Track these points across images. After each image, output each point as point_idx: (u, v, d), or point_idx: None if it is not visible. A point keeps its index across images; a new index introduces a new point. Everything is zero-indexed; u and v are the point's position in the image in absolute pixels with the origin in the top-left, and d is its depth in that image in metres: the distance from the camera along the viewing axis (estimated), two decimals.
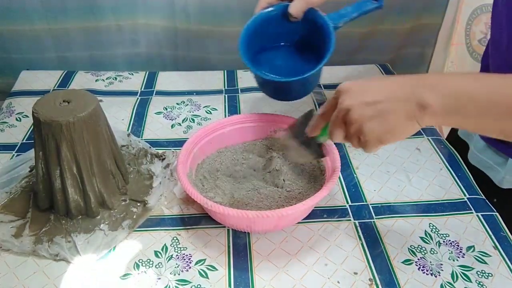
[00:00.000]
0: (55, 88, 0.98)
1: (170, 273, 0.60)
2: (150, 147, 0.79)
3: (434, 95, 0.45)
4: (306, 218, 0.67)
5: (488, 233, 0.65)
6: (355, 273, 0.60)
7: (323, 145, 0.64)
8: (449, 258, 0.62)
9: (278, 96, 0.76)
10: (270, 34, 0.73)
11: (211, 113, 0.91)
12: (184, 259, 0.62)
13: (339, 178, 0.75)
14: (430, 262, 0.61)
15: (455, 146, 0.83)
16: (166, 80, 1.02)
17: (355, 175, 0.76)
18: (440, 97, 0.45)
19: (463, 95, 0.45)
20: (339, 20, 0.70)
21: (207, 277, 0.59)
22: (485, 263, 0.61)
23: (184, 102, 0.94)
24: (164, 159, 0.76)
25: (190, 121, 0.89)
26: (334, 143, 0.67)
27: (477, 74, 0.46)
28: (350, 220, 0.68)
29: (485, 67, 0.74)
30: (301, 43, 0.76)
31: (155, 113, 0.90)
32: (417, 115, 0.46)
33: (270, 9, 0.71)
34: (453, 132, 0.89)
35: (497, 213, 0.68)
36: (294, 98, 0.78)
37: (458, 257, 0.62)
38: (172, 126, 0.87)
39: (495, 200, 0.72)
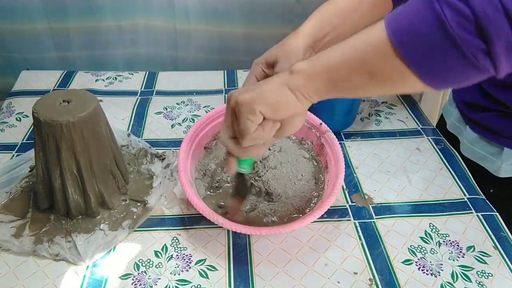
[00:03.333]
0: (55, 88, 0.98)
1: (170, 273, 0.60)
2: (150, 147, 0.79)
3: (301, 63, 0.47)
4: None
5: (488, 233, 0.65)
6: (355, 273, 0.60)
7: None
8: (449, 258, 0.62)
9: None
10: None
11: None
12: (184, 259, 0.62)
13: None
14: (430, 262, 0.61)
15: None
16: (166, 80, 1.02)
17: (355, 175, 0.76)
18: (306, 62, 0.47)
19: (325, 53, 0.47)
20: None
21: (207, 277, 0.59)
22: (485, 263, 0.61)
23: (184, 102, 0.94)
24: (164, 159, 0.76)
25: (190, 121, 0.89)
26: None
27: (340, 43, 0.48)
28: (350, 220, 0.68)
29: None
30: None
31: (155, 113, 0.90)
32: (288, 81, 0.48)
33: None
34: (442, 126, 0.89)
35: (497, 213, 0.68)
36: None
37: (458, 257, 0.62)
38: (172, 126, 0.87)
39: (491, 191, 0.72)
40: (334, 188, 0.63)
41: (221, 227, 0.66)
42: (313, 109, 0.71)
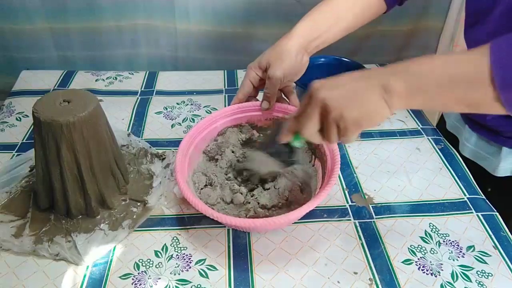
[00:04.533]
0: (55, 87, 0.98)
1: (170, 273, 0.60)
2: (150, 147, 0.79)
3: (397, 79, 0.48)
4: (306, 218, 0.67)
5: (488, 233, 0.65)
6: (355, 273, 0.60)
7: (295, 152, 0.63)
8: (449, 258, 0.62)
9: None
10: None
11: (211, 113, 0.90)
12: (184, 259, 0.62)
13: (339, 177, 0.75)
14: (430, 262, 0.62)
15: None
16: (166, 80, 1.02)
17: (355, 175, 0.76)
18: (402, 80, 0.48)
19: (424, 74, 0.48)
20: None
21: (207, 277, 0.59)
22: (485, 263, 0.61)
23: (184, 102, 0.94)
24: (164, 159, 0.77)
25: (190, 121, 0.89)
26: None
27: (437, 55, 0.50)
28: (350, 220, 0.68)
29: None
30: None
31: (155, 113, 0.90)
32: (385, 97, 0.48)
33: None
34: (442, 126, 0.89)
35: (497, 213, 0.68)
36: None
37: (458, 257, 0.62)
38: (172, 126, 0.87)
39: (489, 190, 0.73)
40: (330, 178, 0.61)
41: (221, 227, 0.66)
42: None
